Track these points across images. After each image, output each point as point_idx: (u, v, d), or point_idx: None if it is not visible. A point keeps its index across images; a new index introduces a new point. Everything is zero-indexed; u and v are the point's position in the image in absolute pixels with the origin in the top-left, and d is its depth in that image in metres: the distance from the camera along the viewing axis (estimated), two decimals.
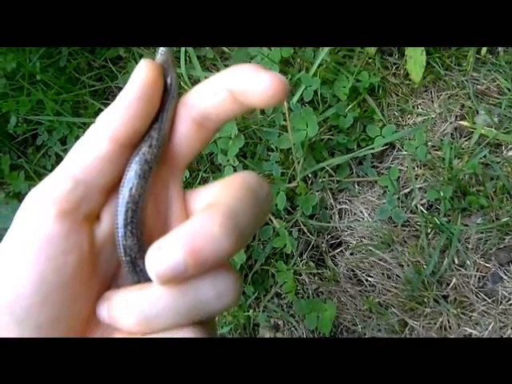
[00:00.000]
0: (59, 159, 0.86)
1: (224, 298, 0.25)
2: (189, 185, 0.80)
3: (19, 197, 0.85)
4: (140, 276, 0.27)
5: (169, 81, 0.28)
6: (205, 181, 0.79)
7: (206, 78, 0.87)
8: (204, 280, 0.24)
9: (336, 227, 0.75)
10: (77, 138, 0.84)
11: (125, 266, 0.27)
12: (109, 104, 0.78)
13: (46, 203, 0.25)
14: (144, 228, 0.27)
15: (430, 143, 0.74)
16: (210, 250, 0.23)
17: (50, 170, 0.91)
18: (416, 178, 0.74)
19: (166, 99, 0.28)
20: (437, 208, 0.73)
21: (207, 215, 0.24)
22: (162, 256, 0.23)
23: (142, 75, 0.26)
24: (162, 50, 0.29)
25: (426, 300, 0.69)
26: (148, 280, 0.24)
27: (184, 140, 0.28)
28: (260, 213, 0.26)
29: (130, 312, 0.25)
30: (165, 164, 0.28)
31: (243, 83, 0.25)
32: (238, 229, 0.24)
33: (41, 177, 0.86)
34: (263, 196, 0.26)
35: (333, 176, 0.75)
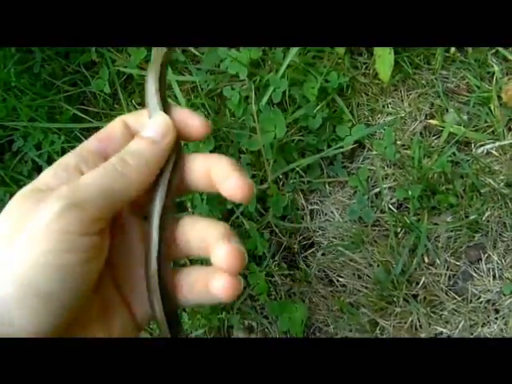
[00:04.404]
0: (35, 165, 0.86)
1: None
2: None
3: None
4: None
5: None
6: None
7: (177, 81, 0.85)
8: None
9: (308, 228, 0.75)
10: (52, 143, 0.84)
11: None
12: (83, 109, 0.79)
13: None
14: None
15: (399, 142, 0.74)
16: None
17: (27, 176, 0.90)
18: (386, 178, 0.74)
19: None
20: (406, 207, 0.73)
21: None
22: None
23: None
24: None
25: (395, 299, 0.69)
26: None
27: None
28: None
29: None
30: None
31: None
32: None
33: (17, 183, 0.86)
34: None
35: (303, 177, 0.75)
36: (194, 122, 0.35)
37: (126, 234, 0.36)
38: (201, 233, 0.34)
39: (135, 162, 0.32)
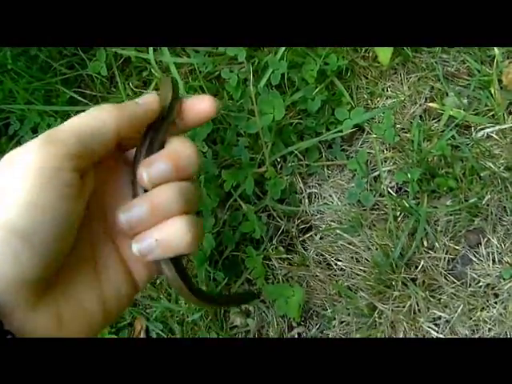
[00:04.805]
0: None
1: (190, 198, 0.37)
2: None
3: None
4: None
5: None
6: None
7: (175, 64, 0.84)
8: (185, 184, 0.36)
9: (306, 211, 0.75)
10: (48, 126, 0.84)
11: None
12: (80, 92, 0.81)
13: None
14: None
15: (399, 126, 0.73)
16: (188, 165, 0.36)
17: None
18: (385, 161, 0.73)
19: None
20: (406, 191, 0.72)
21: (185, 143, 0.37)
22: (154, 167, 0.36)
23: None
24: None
25: (394, 283, 0.69)
26: None
27: None
28: None
29: None
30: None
31: None
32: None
33: None
34: None
35: (302, 160, 0.74)
36: (203, 103, 0.39)
37: (123, 189, 0.37)
38: None
39: (115, 113, 0.35)
